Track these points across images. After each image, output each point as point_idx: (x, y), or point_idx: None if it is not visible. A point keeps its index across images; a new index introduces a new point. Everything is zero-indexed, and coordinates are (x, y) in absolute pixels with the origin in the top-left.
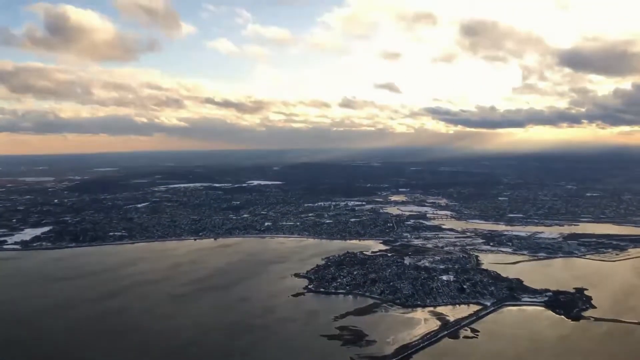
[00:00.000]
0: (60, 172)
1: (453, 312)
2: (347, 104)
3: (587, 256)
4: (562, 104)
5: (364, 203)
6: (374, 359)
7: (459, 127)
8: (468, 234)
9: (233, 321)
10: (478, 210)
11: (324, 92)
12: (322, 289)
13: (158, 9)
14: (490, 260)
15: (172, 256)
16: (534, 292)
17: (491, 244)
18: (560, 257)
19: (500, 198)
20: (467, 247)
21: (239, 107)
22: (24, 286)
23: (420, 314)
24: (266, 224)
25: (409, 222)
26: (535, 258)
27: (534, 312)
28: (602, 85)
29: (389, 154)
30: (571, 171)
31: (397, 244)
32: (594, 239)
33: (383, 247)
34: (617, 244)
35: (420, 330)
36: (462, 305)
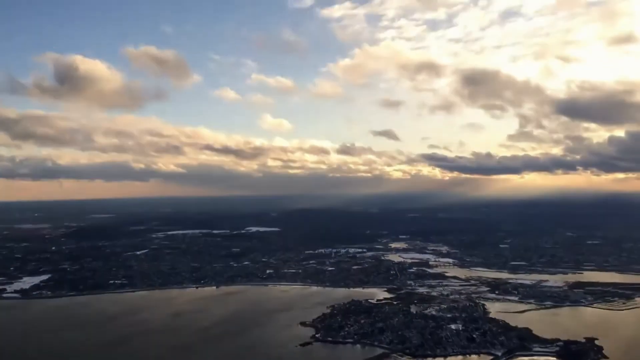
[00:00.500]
0: (56, 218)
1: None
2: (345, 150)
3: (595, 305)
4: (557, 151)
5: (364, 250)
6: None
7: (455, 174)
8: (472, 281)
9: None
10: (480, 257)
11: (323, 139)
12: (329, 338)
13: (168, 60)
14: (497, 309)
15: (175, 305)
16: (544, 341)
17: (496, 292)
18: (568, 305)
19: (501, 245)
20: (473, 295)
21: (238, 153)
22: (27, 336)
23: None
24: (268, 271)
25: (411, 270)
26: (542, 307)
27: None
28: (597, 133)
29: (385, 199)
30: (568, 217)
31: (402, 291)
32: (599, 288)
33: (388, 295)
34: (623, 292)
35: None
36: (473, 355)
